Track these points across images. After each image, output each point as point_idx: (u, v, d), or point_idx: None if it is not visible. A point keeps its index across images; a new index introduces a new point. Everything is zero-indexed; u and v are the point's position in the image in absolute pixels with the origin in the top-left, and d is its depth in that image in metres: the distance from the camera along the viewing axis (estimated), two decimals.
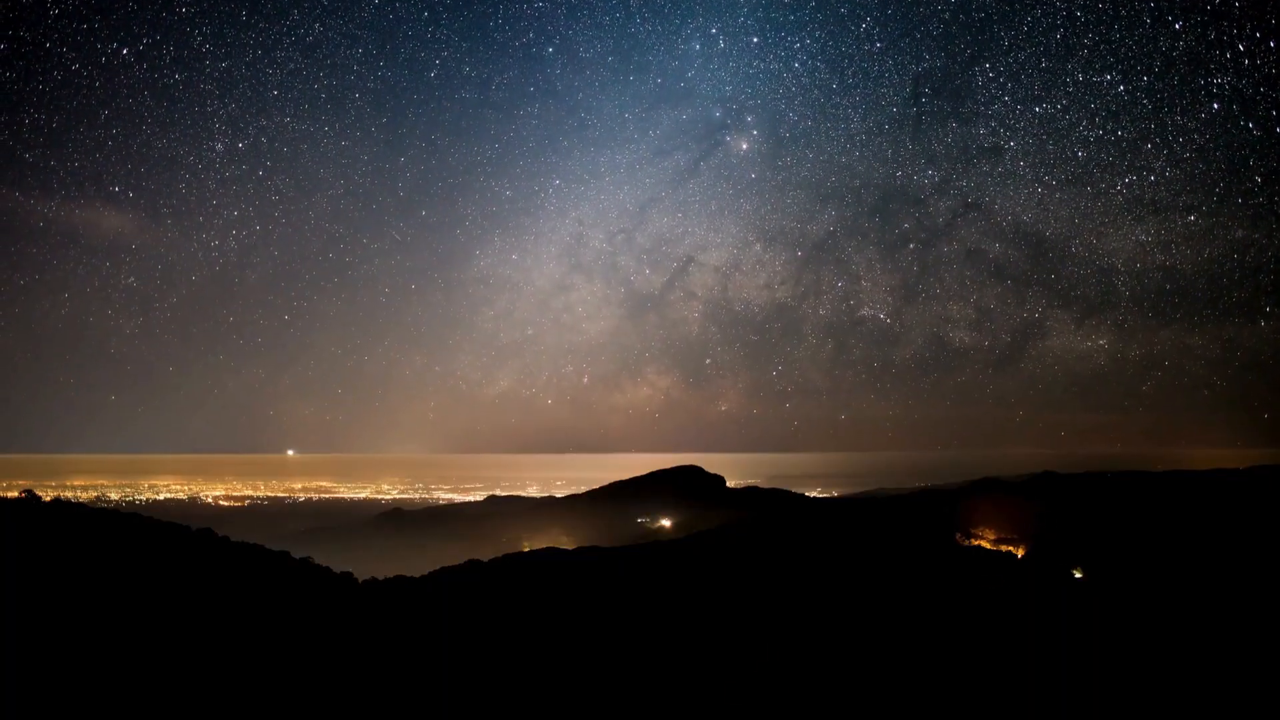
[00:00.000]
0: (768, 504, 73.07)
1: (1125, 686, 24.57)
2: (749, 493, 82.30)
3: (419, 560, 53.12)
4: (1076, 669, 25.38)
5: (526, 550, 48.35)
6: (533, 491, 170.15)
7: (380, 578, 29.57)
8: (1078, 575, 39.07)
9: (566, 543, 45.21)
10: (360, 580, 28.17)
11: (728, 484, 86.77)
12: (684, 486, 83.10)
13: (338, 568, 28.77)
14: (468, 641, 22.79)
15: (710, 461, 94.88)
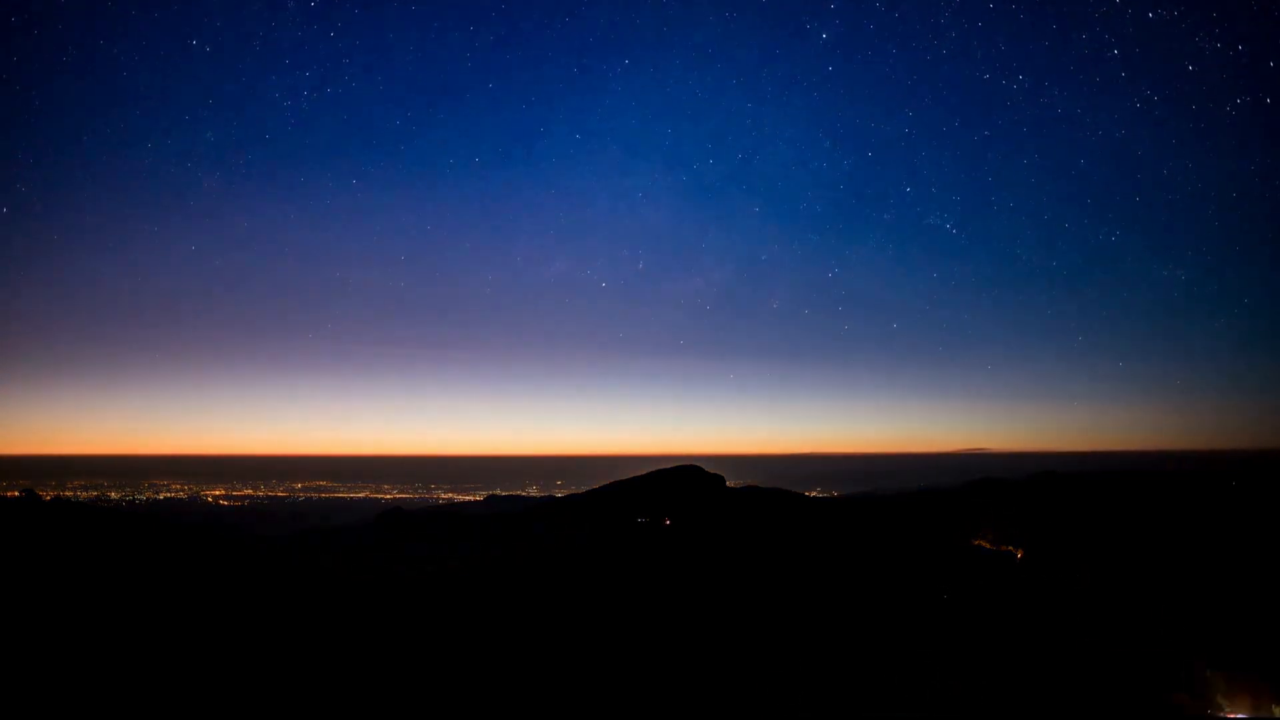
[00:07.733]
0: (767, 504, 72.75)
1: (1122, 680, 24.50)
2: (748, 493, 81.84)
3: (419, 560, 52.98)
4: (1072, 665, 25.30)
5: (525, 550, 48.20)
6: (533, 491, 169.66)
7: (380, 578, 29.60)
8: (1077, 575, 39.01)
9: (567, 542, 45.14)
10: (360, 580, 28.20)
11: (727, 484, 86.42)
12: (684, 486, 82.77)
13: (338, 568, 28.79)
14: (467, 640, 22.77)
15: (710, 461, 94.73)
